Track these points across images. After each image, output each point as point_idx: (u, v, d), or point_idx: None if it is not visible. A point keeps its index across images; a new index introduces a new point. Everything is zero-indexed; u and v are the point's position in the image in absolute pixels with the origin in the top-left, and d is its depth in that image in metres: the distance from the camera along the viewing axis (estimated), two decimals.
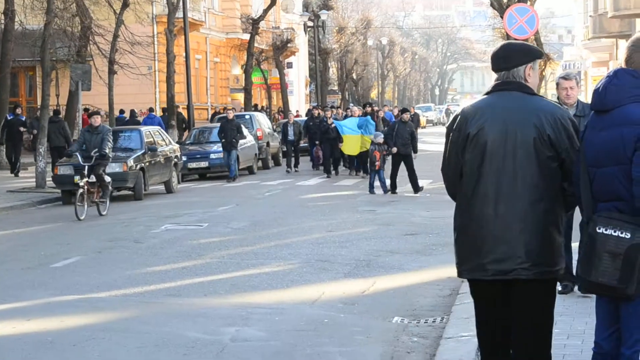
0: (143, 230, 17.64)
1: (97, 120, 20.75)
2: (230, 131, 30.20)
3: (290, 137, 34.12)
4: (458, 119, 5.61)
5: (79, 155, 20.45)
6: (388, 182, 24.13)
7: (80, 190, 19.64)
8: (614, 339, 5.09)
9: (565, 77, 10.07)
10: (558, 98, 10.10)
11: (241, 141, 31.44)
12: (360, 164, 30.40)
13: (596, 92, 5.13)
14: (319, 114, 34.31)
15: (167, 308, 10.56)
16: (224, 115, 34.61)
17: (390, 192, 23.98)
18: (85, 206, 19.71)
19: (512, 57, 5.59)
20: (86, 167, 20.12)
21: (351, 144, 28.73)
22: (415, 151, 24.69)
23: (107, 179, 20.55)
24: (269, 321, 9.71)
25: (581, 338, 7.89)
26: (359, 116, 30.93)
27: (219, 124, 32.15)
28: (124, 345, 8.85)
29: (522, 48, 5.63)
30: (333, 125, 30.24)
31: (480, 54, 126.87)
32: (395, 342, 8.75)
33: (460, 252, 5.58)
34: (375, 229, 16.94)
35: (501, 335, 5.54)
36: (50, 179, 25.03)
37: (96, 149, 20.22)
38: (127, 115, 39.69)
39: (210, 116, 47.92)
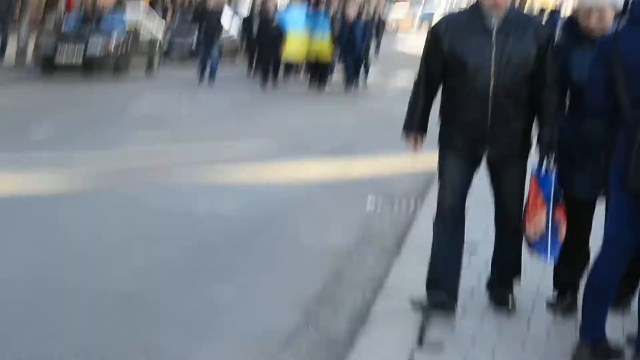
0: (122, 105, 17.60)
1: None
2: (212, 21, 22.90)
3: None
4: None
5: None
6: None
7: None
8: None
9: None
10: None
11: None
12: (308, 73, 23.03)
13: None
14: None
15: (142, 179, 10.54)
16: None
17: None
18: None
19: None
20: None
21: (294, 46, 21.87)
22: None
23: None
24: (243, 197, 9.74)
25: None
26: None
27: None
28: (99, 211, 8.88)
29: None
30: (275, 24, 22.37)
31: None
32: (368, 223, 8.80)
33: None
34: (356, 118, 16.92)
35: None
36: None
37: None
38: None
39: None
